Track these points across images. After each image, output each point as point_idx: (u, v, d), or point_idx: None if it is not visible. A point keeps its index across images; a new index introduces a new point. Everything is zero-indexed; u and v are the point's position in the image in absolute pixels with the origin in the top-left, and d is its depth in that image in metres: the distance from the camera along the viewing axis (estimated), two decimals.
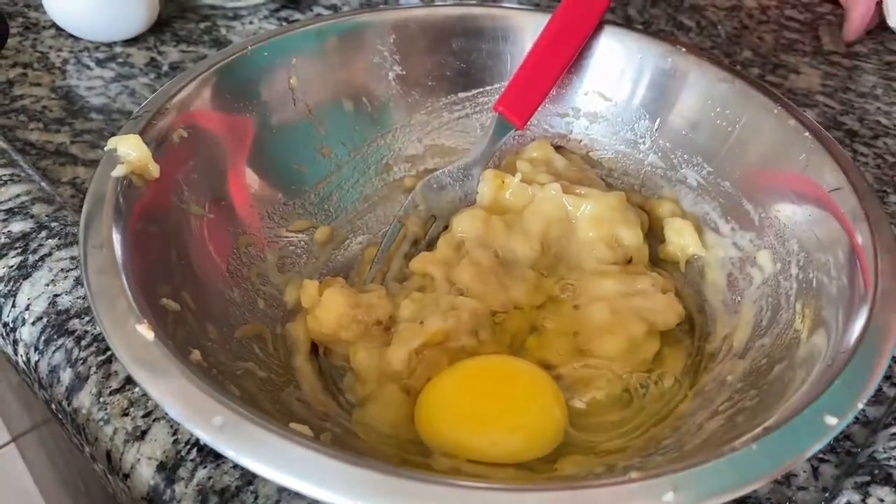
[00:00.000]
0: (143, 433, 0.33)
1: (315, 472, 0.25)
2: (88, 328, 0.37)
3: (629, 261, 0.42)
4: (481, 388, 0.35)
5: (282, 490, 0.32)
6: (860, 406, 0.28)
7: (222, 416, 0.27)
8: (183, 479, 0.32)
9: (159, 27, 0.60)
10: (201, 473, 0.32)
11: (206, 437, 0.26)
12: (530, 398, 0.35)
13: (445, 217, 0.45)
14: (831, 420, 0.27)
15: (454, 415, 0.34)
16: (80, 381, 0.35)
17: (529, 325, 0.40)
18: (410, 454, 0.34)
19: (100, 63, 0.56)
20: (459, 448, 0.33)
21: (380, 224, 0.46)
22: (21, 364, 0.38)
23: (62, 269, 0.40)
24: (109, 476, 0.34)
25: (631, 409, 0.37)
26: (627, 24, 0.62)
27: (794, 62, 0.63)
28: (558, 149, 0.48)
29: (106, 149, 0.36)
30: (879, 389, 0.38)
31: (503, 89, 0.46)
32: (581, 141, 0.48)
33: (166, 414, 0.33)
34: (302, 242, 0.43)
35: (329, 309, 0.38)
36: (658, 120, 0.45)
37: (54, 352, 0.37)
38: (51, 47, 0.57)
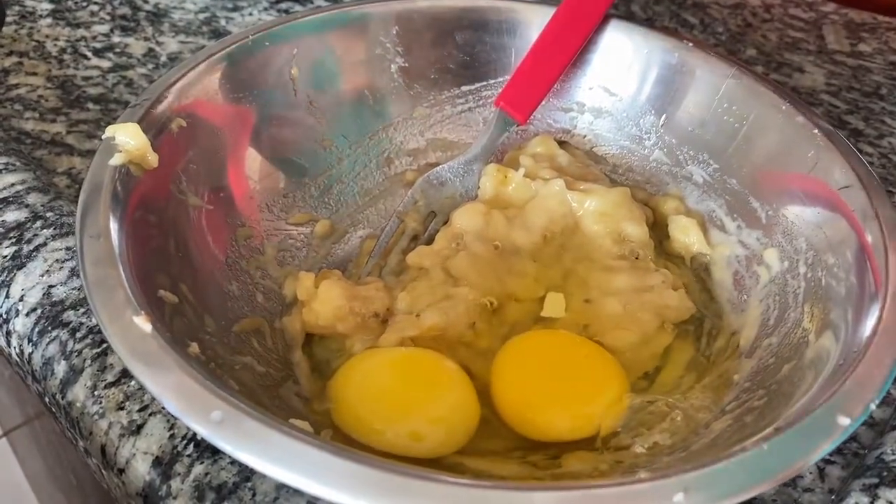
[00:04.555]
0: (139, 427, 0.33)
1: (316, 469, 0.25)
2: (84, 320, 0.36)
3: (636, 257, 0.42)
4: (397, 380, 0.35)
5: (280, 487, 0.31)
6: (873, 406, 0.28)
7: (221, 410, 0.26)
8: (179, 474, 0.31)
9: (157, 17, 0.59)
10: (198, 469, 0.31)
11: (204, 432, 0.26)
12: (445, 390, 0.34)
13: (445, 213, 0.44)
14: (844, 420, 0.27)
15: (373, 402, 0.34)
16: (74, 373, 0.35)
17: (531, 317, 0.39)
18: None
19: (97, 53, 0.55)
20: (376, 435, 0.32)
21: (380, 218, 0.45)
22: (14, 356, 0.38)
23: (57, 260, 0.39)
24: (104, 471, 0.34)
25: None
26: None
27: (798, 61, 0.63)
28: (562, 144, 0.47)
29: (104, 137, 0.35)
30: (887, 391, 0.37)
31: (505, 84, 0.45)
32: (585, 136, 0.47)
33: (162, 408, 0.33)
34: (301, 236, 0.43)
35: (326, 301, 0.38)
36: (664, 116, 0.45)
37: (48, 344, 0.36)
38: (47, 36, 0.56)
